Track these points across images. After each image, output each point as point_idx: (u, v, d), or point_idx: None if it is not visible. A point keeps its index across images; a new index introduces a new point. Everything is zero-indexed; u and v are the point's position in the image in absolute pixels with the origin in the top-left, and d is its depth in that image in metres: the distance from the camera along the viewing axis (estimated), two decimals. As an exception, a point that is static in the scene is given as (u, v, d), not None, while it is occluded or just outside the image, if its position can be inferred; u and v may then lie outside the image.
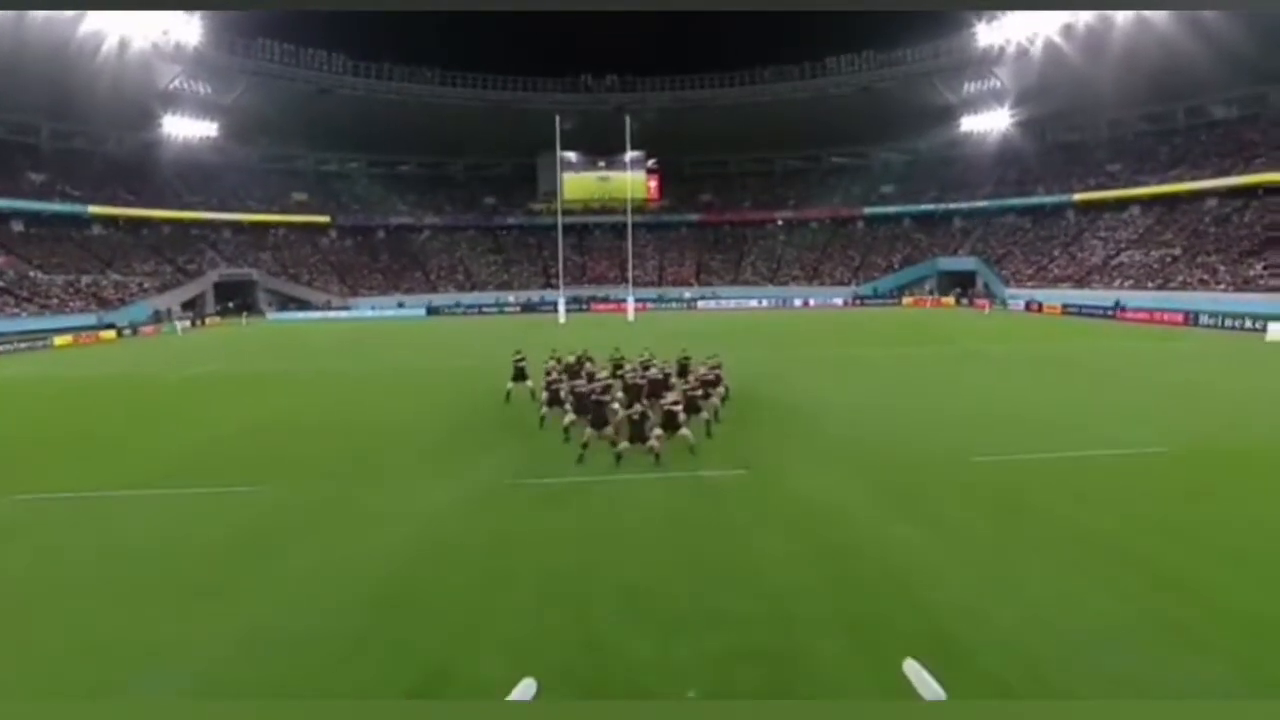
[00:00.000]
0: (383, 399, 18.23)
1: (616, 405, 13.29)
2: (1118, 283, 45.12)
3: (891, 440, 12.41)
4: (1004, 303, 48.22)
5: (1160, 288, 41.69)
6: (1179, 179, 48.01)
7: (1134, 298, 41.19)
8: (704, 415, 12.95)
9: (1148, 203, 50.59)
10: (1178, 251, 44.78)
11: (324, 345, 32.42)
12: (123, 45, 45.82)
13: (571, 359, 16.62)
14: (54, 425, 15.60)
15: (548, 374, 14.63)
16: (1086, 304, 42.20)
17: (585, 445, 11.16)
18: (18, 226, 49.72)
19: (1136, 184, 50.68)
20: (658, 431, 11.36)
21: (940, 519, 8.38)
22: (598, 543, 7.88)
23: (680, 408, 11.79)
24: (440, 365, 24.86)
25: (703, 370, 14.91)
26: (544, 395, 14.12)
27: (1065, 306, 43.10)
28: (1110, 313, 39.72)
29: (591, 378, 14.14)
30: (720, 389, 14.71)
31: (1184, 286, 40.75)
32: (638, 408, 11.19)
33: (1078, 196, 54.64)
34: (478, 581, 6.91)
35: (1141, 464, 10.50)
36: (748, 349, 26.74)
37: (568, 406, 12.93)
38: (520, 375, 16.26)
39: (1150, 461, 10.66)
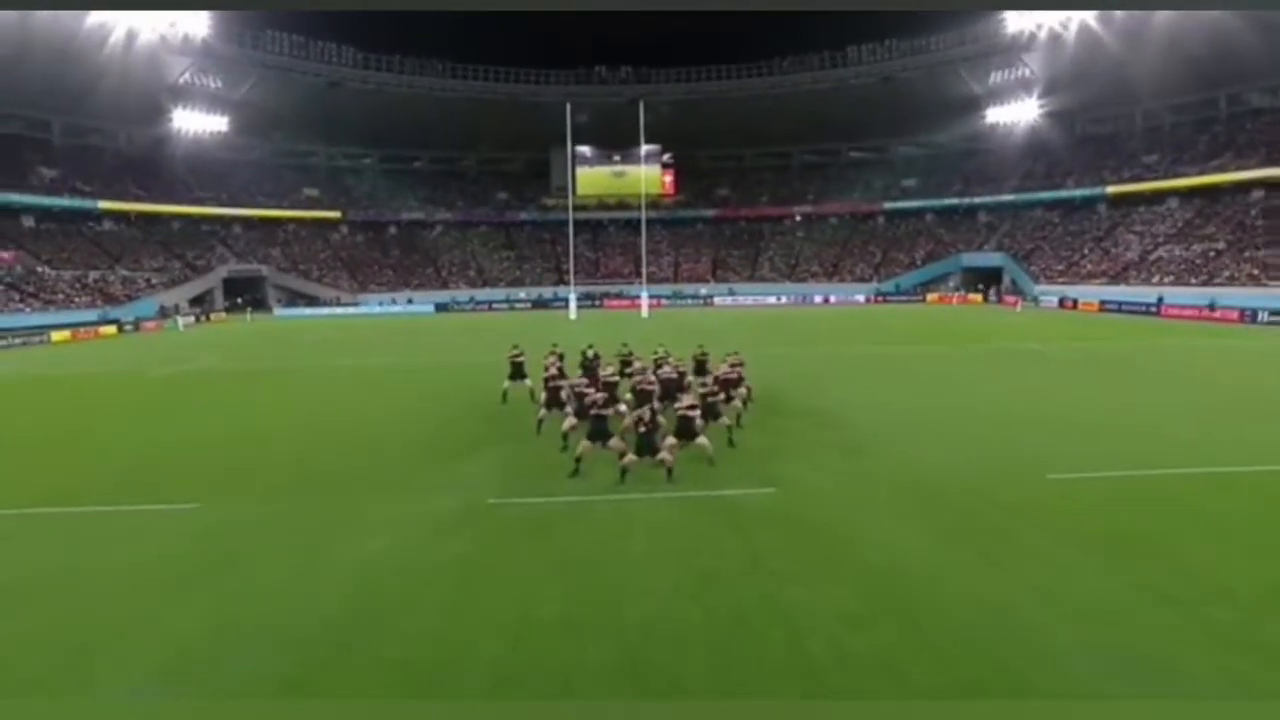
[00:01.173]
0: (368, 398, 17.01)
1: (624, 407, 11.95)
2: (1156, 279, 42.91)
3: (944, 452, 10.75)
4: (1035, 300, 46.15)
5: (1205, 284, 39.47)
6: (1222, 169, 45.57)
7: (1177, 294, 39.01)
8: (724, 421, 11.42)
9: (1187, 195, 48.23)
10: (1221, 245, 42.48)
11: (322, 341, 31.40)
12: (130, 37, 45.22)
13: (590, 352, 15.23)
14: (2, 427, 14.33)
15: (546, 371, 13.20)
16: (1126, 300, 40.08)
17: (579, 460, 9.70)
18: (28, 222, 49.35)
19: (1175, 175, 48.29)
20: (670, 440, 9.88)
21: (1030, 558, 6.72)
22: (586, 587, 6.29)
23: (697, 413, 10.27)
24: (437, 362, 23.68)
25: (723, 368, 13.35)
26: (542, 396, 12.69)
27: (1103, 303, 40.98)
28: (1152, 309, 37.61)
29: (594, 375, 12.67)
30: (742, 390, 13.13)
31: (1230, 282, 38.53)
32: (646, 412, 9.66)
33: (1111, 189, 52.32)
34: (419, 652, 5.29)
35: (1261, 486, 8.78)
36: (769, 346, 25.21)
37: (569, 410, 11.53)
38: (518, 373, 14.80)
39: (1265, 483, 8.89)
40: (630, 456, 9.35)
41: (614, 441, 9.71)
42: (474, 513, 8.35)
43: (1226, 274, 39.55)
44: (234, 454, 11.46)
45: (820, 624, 5.53)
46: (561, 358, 14.56)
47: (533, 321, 39.47)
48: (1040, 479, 9.16)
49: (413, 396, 16.94)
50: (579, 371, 14.26)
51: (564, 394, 12.12)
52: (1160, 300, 38.03)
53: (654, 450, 9.36)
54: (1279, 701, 4.49)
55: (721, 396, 11.75)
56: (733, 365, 13.38)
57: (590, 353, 15.20)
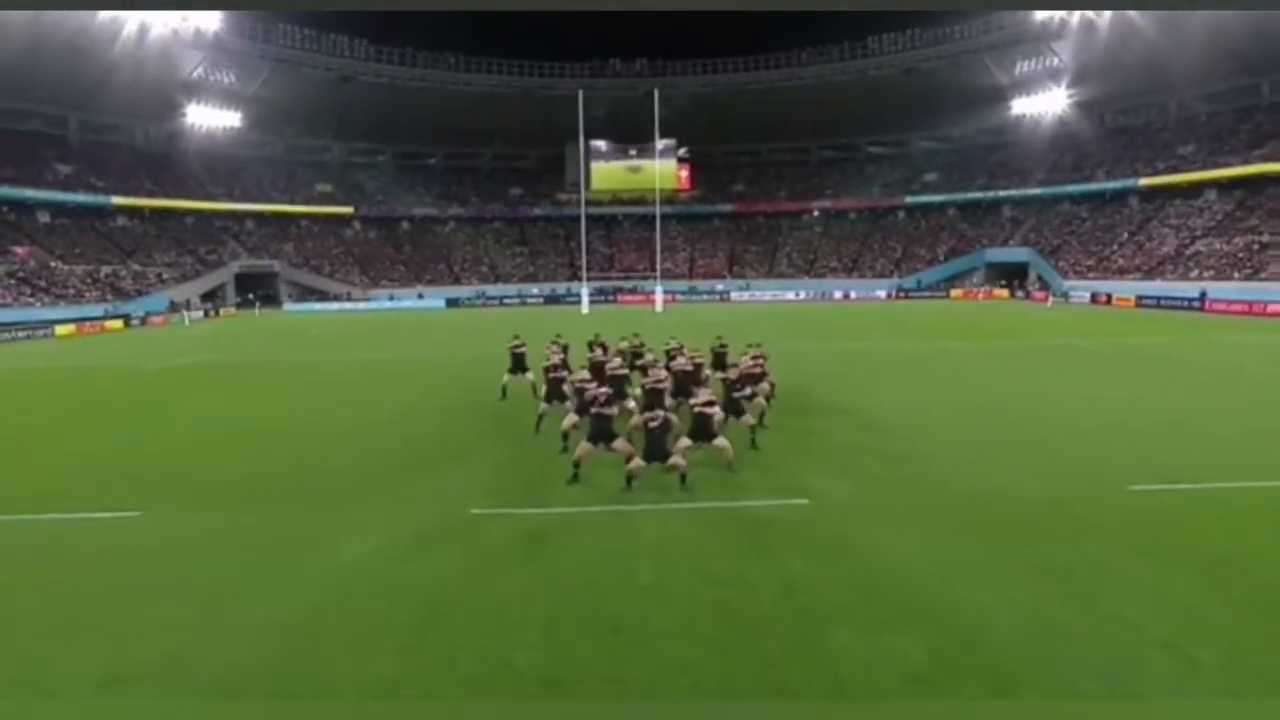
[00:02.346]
0: (360, 395, 16.04)
1: (631, 403, 10.81)
2: (1195, 273, 41.03)
3: (1002, 459, 9.42)
4: (1065, 295, 44.37)
5: (1250, 278, 37.57)
6: (1266, 159, 43.45)
7: (1222, 289, 37.13)
8: (747, 419, 10.17)
9: (1226, 186, 46.15)
10: (1265, 238, 40.48)
11: (327, 336, 30.74)
12: (143, 31, 44.92)
13: (624, 344, 14.02)
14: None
15: (547, 360, 12.06)
16: (1166, 295, 38.27)
17: (578, 464, 8.57)
18: (44, 217, 49.27)
19: (1215, 166, 46.21)
20: (685, 442, 8.68)
21: (1132, 592, 5.45)
22: (575, 629, 5.11)
23: (716, 410, 9.08)
24: (439, 356, 22.80)
25: (745, 360, 12.02)
26: (543, 388, 11.62)
27: (1140, 298, 39.18)
28: (1195, 305, 35.80)
29: (600, 371, 11.44)
30: (764, 385, 11.81)
31: (1278, 277, 36.61)
32: (658, 412, 8.44)
33: (1144, 181, 50.28)
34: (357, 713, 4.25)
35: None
36: (791, 341, 23.92)
37: (570, 405, 10.40)
38: (519, 366, 13.71)
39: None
40: (637, 460, 8.16)
41: (619, 443, 8.53)
42: (452, 527, 7.20)
43: (1273, 267, 37.59)
44: (197, 455, 10.45)
45: (880, 683, 4.35)
46: (565, 348, 13.59)
47: (543, 316, 38.50)
48: (1121, 492, 7.84)
49: (407, 393, 15.95)
50: (585, 365, 13.11)
51: (567, 386, 10.97)
52: (1204, 295, 36.19)
53: (665, 453, 8.16)
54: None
55: (746, 391, 10.46)
56: (755, 358, 12.08)
57: (596, 342, 14.01)
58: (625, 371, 11.69)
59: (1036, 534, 6.73)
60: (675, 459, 8.18)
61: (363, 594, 5.73)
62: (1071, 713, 4.14)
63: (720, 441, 8.74)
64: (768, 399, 11.75)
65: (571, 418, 10.06)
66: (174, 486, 8.80)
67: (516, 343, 13.89)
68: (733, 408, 10.06)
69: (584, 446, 8.57)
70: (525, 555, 6.46)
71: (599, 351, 13.18)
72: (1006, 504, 7.56)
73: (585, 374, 10.69)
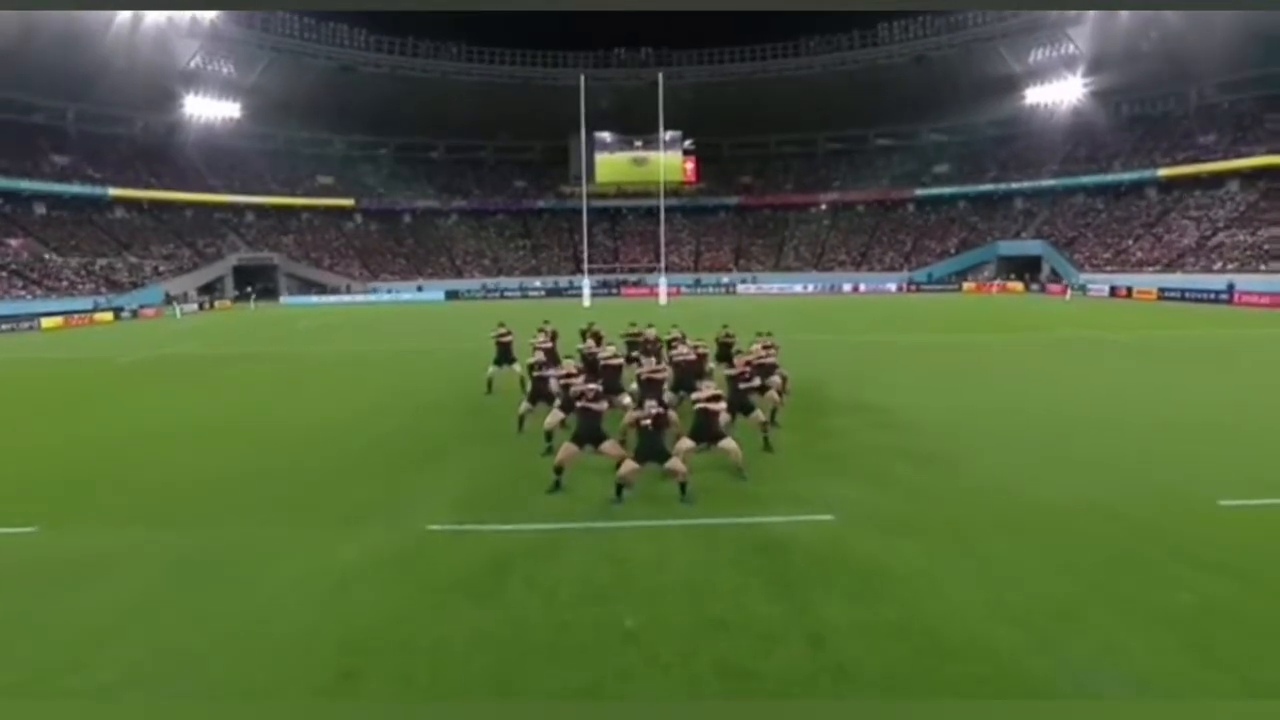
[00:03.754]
0: (334, 387, 15.20)
1: (627, 398, 9.77)
2: (1218, 265, 39.70)
3: (1054, 464, 8.23)
4: (1082, 288, 43.08)
5: None
6: (1294, 149, 42.02)
7: (1251, 281, 35.80)
8: (757, 416, 9.06)
9: (1250, 176, 44.68)
10: (1292, 230, 39.14)
11: (317, 328, 29.99)
12: (136, 19, 44.02)
13: (589, 331, 12.91)
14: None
15: (534, 352, 11.00)
16: (1190, 288, 36.95)
17: (560, 470, 7.53)
18: (40, 209, 48.50)
19: (1237, 156, 44.71)
20: (686, 444, 7.67)
21: (1245, 636, 4.46)
22: (538, 684, 4.13)
23: (722, 406, 8.05)
24: (428, 347, 21.96)
25: (756, 348, 10.97)
26: (528, 385, 10.63)
27: (1162, 291, 37.87)
28: (1223, 298, 34.51)
29: (591, 365, 10.43)
30: (775, 378, 10.71)
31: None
32: (653, 406, 7.36)
33: (1163, 172, 48.87)
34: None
35: None
36: (802, 333, 22.84)
37: (559, 402, 9.36)
38: (505, 357, 12.72)
39: None
40: (630, 465, 7.11)
41: (608, 445, 7.48)
42: (401, 550, 6.08)
43: (1300, 260, 36.32)
44: (128, 457, 9.45)
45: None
46: (554, 336, 12.38)
47: (542, 308, 37.50)
48: (1210, 507, 6.74)
49: (385, 386, 15.05)
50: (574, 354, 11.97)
51: (554, 383, 9.86)
52: (1232, 287, 34.89)
53: (662, 456, 7.13)
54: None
55: (755, 383, 9.32)
56: (765, 347, 11.04)
57: (589, 332, 12.87)
58: (620, 362, 10.61)
59: (1128, 565, 5.58)
60: (674, 463, 7.15)
61: (269, 642, 4.66)
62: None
63: (727, 443, 7.68)
64: (779, 394, 10.67)
65: (556, 414, 9.04)
66: (87, 496, 7.80)
67: (502, 331, 12.83)
68: (741, 404, 8.95)
69: (567, 449, 7.51)
70: (484, 589, 5.36)
71: (591, 342, 12.06)
72: (1077, 524, 6.44)
73: (571, 363, 9.62)
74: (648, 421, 7.07)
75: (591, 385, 7.98)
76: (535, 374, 10.19)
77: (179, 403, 13.52)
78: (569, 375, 9.02)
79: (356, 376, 16.76)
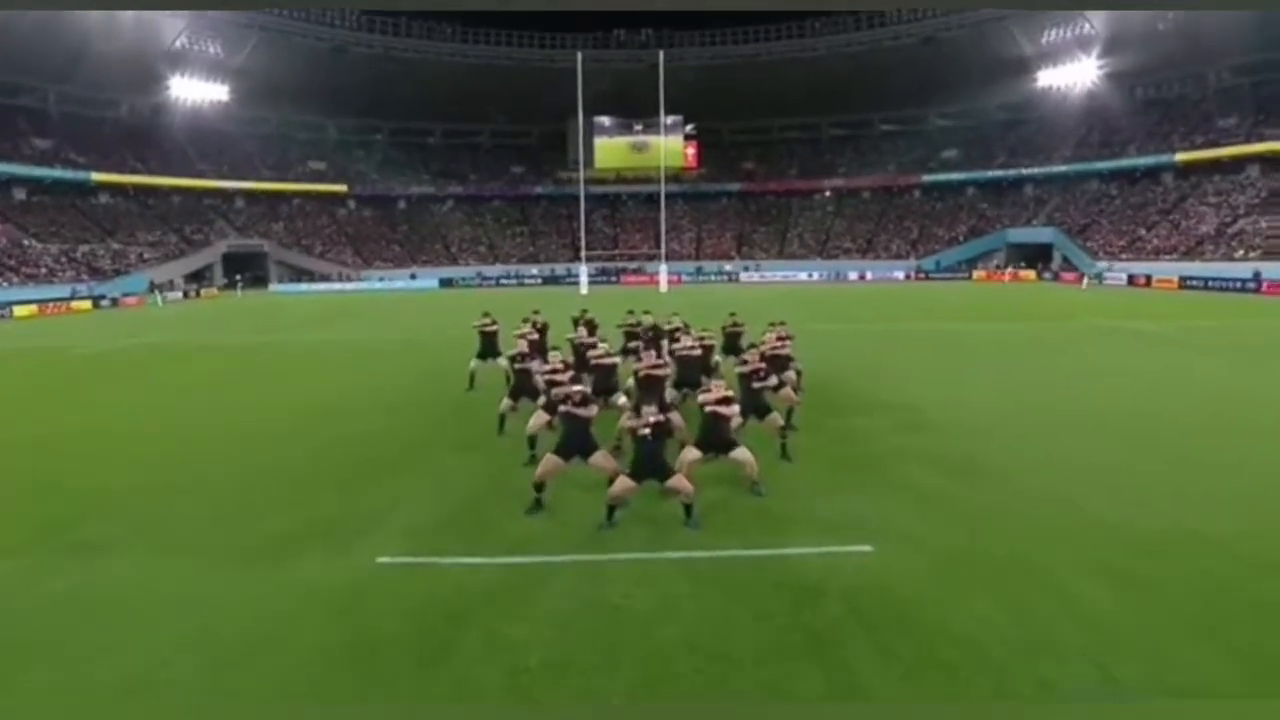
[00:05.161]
0: (303, 379, 14.02)
1: (624, 398, 8.57)
2: (1240, 253, 38.24)
3: (1131, 475, 6.95)
4: (1099, 276, 41.61)
5: (1305, 258, 34.84)
6: (1320, 131, 40.43)
7: (1278, 270, 34.32)
8: (774, 419, 7.80)
9: (1271, 161, 43.08)
10: (1318, 216, 37.65)
11: (299, 316, 28.81)
12: (119, -5, 42.40)
13: (582, 320, 11.42)
14: None
15: (518, 343, 9.72)
16: (1214, 276, 35.50)
17: (541, 486, 6.37)
18: (20, 194, 47.06)
19: (1259, 139, 43.10)
20: (691, 454, 6.50)
21: None
22: None
23: (735, 410, 6.75)
24: (411, 337, 20.77)
25: (770, 338, 9.63)
26: (511, 382, 9.33)
27: (1184, 280, 36.43)
28: (1250, 286, 33.08)
29: (582, 358, 9.20)
30: (790, 373, 9.47)
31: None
32: (653, 412, 6.07)
33: (1180, 156, 47.26)
34: None
35: None
36: (811, 322, 21.39)
37: (543, 401, 8.07)
38: (489, 349, 11.50)
39: None
40: (625, 482, 5.91)
41: (598, 457, 6.32)
42: (341, 589, 4.89)
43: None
44: (19, 465, 8.10)
45: None
46: (542, 329, 11.04)
47: (538, 296, 36.15)
48: None
49: (358, 378, 13.79)
50: (567, 348, 10.64)
51: (539, 379, 8.55)
52: (1258, 276, 33.45)
53: (663, 471, 5.93)
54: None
55: (771, 381, 7.99)
56: (780, 337, 9.70)
57: (582, 320, 11.51)
58: (614, 360, 9.30)
59: (1258, 614, 4.23)
60: (677, 480, 5.92)
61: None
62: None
63: (740, 453, 6.46)
64: (796, 390, 9.34)
65: (541, 416, 7.82)
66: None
67: (486, 321, 11.55)
68: (755, 405, 7.68)
69: (550, 462, 6.31)
70: (430, 650, 4.09)
71: (583, 332, 10.69)
72: (1173, 553, 5.16)
73: (558, 358, 8.27)
74: (646, 431, 5.87)
75: (578, 387, 6.77)
76: (517, 366, 8.93)
77: (119, 398, 12.33)
78: (555, 371, 7.76)
79: (330, 367, 15.49)
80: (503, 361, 10.92)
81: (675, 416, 7.21)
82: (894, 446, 8.25)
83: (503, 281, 53.34)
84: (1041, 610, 4.44)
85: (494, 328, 11.54)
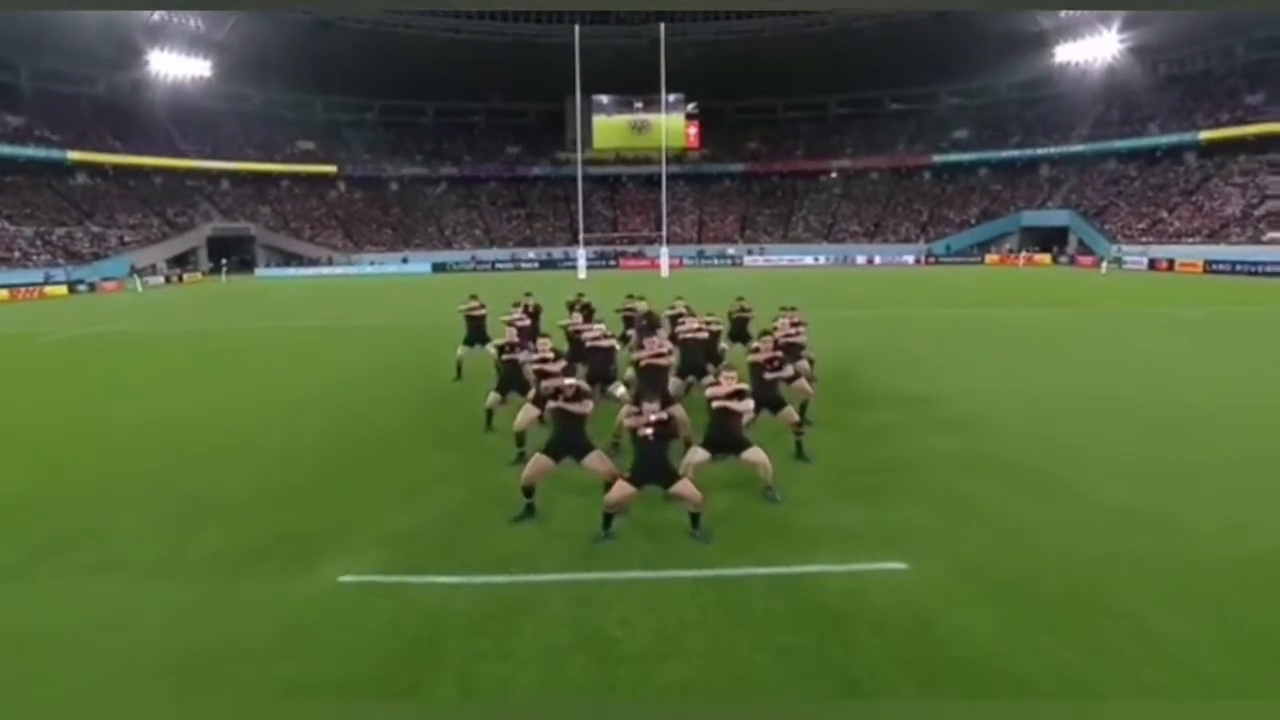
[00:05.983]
0: (274, 370, 12.75)
1: (622, 389, 7.62)
2: (1268, 236, 36.42)
3: (1228, 493, 5.91)
4: (1118, 260, 39.80)
5: (1340, 240, 33.07)
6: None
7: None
8: (789, 414, 6.91)
9: (1304, 138, 41.16)
10: (1354, 196, 35.80)
11: (285, 302, 27.33)
12: (90, -38, 40.21)
13: (578, 303, 10.33)
14: None
15: (507, 331, 8.41)
16: (1241, 260, 33.75)
17: (530, 490, 5.65)
18: (-8, 174, 45.19)
19: (1292, 115, 41.15)
20: (699, 455, 5.73)
21: None
22: None
23: (747, 405, 5.83)
24: (397, 323, 19.48)
25: (783, 323, 8.62)
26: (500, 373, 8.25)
27: (1209, 264, 34.68)
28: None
29: (577, 344, 8.16)
30: (803, 362, 8.61)
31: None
32: (655, 409, 5.20)
33: (1205, 135, 45.25)
34: None
35: None
36: (822, 307, 19.89)
37: (533, 394, 7.05)
38: (477, 335, 10.50)
39: None
40: (624, 487, 5.18)
41: (593, 458, 5.58)
42: (295, 614, 4.27)
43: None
44: None
45: None
46: (535, 312, 10.17)
47: (534, 280, 34.54)
48: None
49: (336, 370, 12.44)
50: (560, 335, 9.33)
51: (527, 370, 7.53)
52: (1293, 259, 31.79)
53: (667, 475, 5.22)
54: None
55: (787, 371, 7.12)
56: (794, 323, 8.81)
57: (578, 304, 10.29)
58: (612, 343, 8.14)
59: None
60: (683, 485, 5.19)
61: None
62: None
63: (754, 453, 5.73)
64: (811, 381, 8.32)
65: (530, 410, 6.95)
66: None
67: (473, 304, 10.51)
68: (768, 398, 6.85)
69: (539, 463, 5.58)
70: (396, 689, 3.58)
71: (578, 317, 9.52)
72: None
73: (548, 344, 7.17)
74: (648, 431, 5.14)
75: (570, 380, 5.77)
76: (505, 356, 7.97)
77: (66, 391, 11.15)
78: (545, 360, 6.85)
79: (303, 358, 14.19)
80: (491, 349, 9.72)
81: (679, 411, 6.48)
82: (923, 446, 7.35)
83: (498, 266, 51.57)
84: (1122, 650, 3.77)
85: (482, 311, 10.55)
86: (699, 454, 5.75)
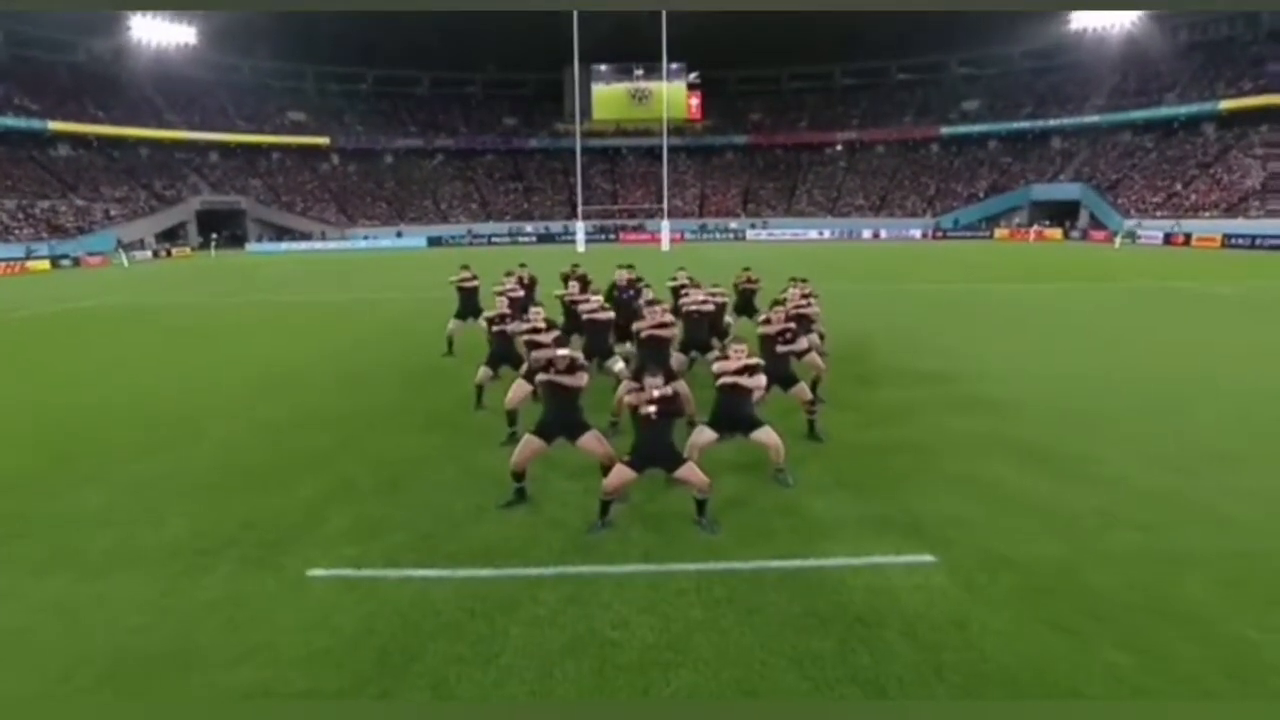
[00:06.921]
0: (253, 345, 12.09)
1: (620, 364, 7.40)
2: (1292, 209, 35.38)
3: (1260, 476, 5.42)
4: (1132, 235, 38.73)
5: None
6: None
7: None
8: (800, 390, 6.44)
9: (1328, 107, 39.86)
10: (1382, 167, 34.63)
11: (273, 277, 26.44)
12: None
13: (573, 275, 9.72)
14: None
15: (499, 299, 7.82)
16: (1262, 234, 32.68)
17: (520, 474, 5.12)
18: (-32, 145, 43.73)
19: (1318, 82, 39.78)
20: (706, 435, 5.24)
21: None
22: None
23: (759, 381, 5.31)
24: (388, 298, 18.67)
25: (793, 294, 8.20)
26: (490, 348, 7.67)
27: (1227, 238, 33.62)
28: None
29: (573, 316, 7.72)
30: (814, 336, 8.22)
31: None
32: (658, 383, 4.71)
33: (1225, 105, 43.84)
34: None
35: None
36: (830, 281, 18.88)
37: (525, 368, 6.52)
38: (469, 308, 9.95)
39: None
40: (623, 471, 4.69)
41: (588, 439, 5.05)
42: (255, 615, 3.80)
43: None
44: None
45: None
46: (530, 284, 9.71)
47: (531, 254, 33.50)
48: None
49: (321, 345, 11.86)
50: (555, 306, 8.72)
51: (519, 343, 7.03)
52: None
53: (671, 459, 4.74)
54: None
55: (800, 344, 6.69)
56: (805, 295, 8.38)
57: (573, 275, 9.62)
58: (610, 315, 7.55)
59: None
60: (687, 470, 4.72)
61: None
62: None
63: (764, 434, 5.27)
64: (822, 355, 8.04)
65: (522, 387, 6.47)
66: None
67: (465, 276, 9.95)
68: (779, 374, 6.35)
69: (530, 445, 5.09)
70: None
71: (574, 288, 8.91)
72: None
73: (540, 314, 6.53)
74: (651, 409, 4.65)
75: (563, 351, 5.20)
76: (495, 328, 7.45)
77: (34, 366, 10.59)
78: (536, 330, 6.30)
79: (289, 333, 13.48)
80: (482, 321, 8.85)
81: (683, 387, 6.11)
82: (944, 426, 6.83)
83: (495, 239, 50.41)
84: (1178, 652, 3.34)
85: (474, 283, 10.10)
86: (705, 434, 5.24)
